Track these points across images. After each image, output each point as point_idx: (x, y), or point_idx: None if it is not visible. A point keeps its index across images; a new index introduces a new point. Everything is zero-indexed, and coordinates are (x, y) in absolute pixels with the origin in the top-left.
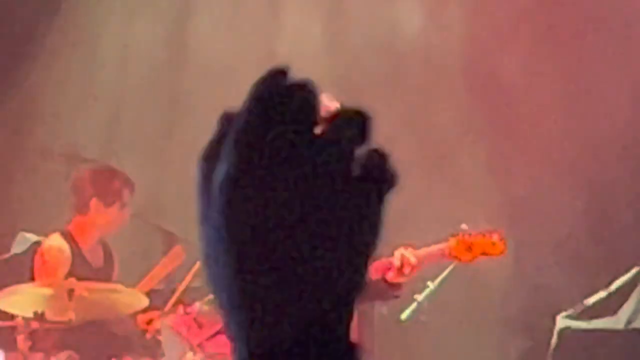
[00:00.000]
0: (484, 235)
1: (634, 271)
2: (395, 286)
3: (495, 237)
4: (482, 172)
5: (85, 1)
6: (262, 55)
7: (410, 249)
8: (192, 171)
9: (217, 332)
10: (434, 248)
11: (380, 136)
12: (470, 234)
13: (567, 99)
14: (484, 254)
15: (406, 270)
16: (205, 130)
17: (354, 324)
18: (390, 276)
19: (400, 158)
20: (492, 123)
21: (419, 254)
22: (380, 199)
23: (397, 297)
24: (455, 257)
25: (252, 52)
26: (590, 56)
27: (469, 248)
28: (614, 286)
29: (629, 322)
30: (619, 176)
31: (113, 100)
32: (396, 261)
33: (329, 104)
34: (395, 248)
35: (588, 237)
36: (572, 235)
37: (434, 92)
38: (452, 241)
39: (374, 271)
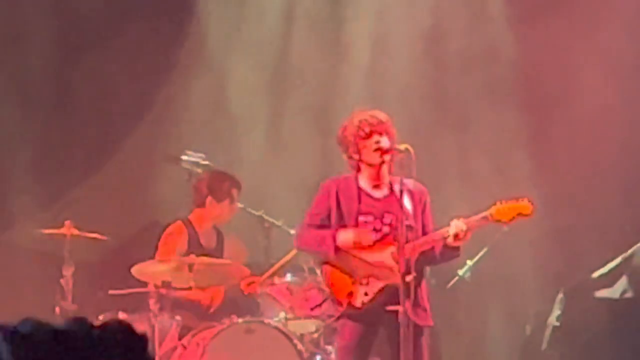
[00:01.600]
0: (517, 200)
1: (630, 251)
2: (455, 248)
3: (525, 201)
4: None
5: (215, 29)
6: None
7: (461, 219)
8: (289, 175)
9: (305, 298)
10: (479, 216)
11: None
12: (507, 201)
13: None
14: (520, 214)
15: (461, 235)
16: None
17: (423, 290)
18: (450, 241)
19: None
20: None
21: (468, 221)
22: None
23: (457, 256)
24: (498, 220)
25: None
26: None
27: (507, 211)
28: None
29: (623, 292)
30: None
31: (234, 115)
32: (452, 229)
33: None
34: (450, 220)
35: (615, 205)
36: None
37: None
38: (493, 208)
39: (435, 239)
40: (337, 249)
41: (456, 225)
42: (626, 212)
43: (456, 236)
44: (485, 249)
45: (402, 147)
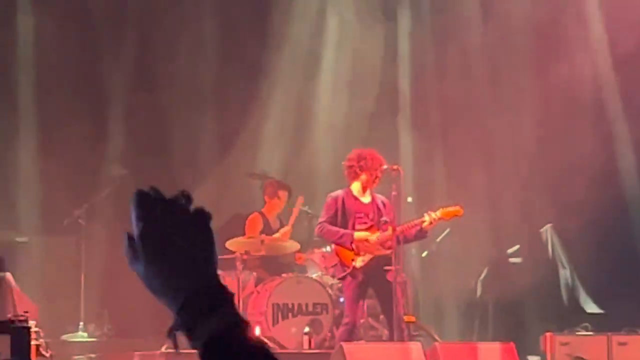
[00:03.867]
0: (459, 206)
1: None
2: (428, 231)
3: (459, 207)
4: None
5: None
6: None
7: (431, 212)
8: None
9: (335, 263)
10: (443, 211)
11: None
12: (455, 206)
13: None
14: (455, 215)
15: (433, 222)
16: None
17: (400, 260)
18: (425, 225)
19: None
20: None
21: (437, 214)
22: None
23: (426, 237)
24: (442, 219)
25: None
26: None
27: (448, 213)
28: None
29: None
30: None
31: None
32: (426, 217)
33: None
34: (425, 212)
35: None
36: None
37: None
38: (447, 209)
39: (414, 225)
40: (352, 242)
41: (429, 216)
42: (530, 208)
43: (430, 223)
44: (446, 231)
45: (395, 166)
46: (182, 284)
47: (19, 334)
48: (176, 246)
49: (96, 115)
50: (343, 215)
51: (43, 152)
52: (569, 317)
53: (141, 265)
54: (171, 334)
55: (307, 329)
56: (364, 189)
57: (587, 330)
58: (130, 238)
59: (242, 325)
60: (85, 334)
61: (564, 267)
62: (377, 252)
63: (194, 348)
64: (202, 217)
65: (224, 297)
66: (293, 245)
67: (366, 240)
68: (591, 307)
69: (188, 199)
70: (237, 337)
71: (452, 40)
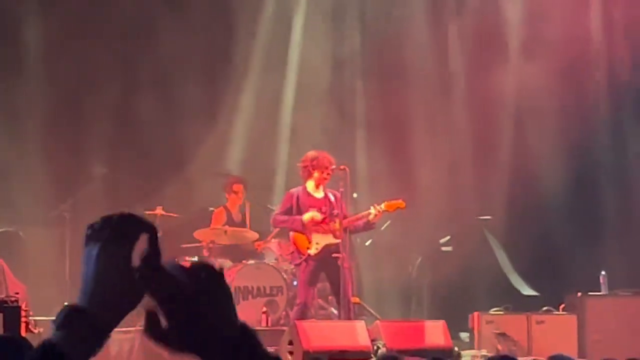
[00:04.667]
0: (397, 200)
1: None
2: (374, 223)
3: (401, 200)
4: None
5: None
6: None
7: (377, 205)
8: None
9: (292, 251)
10: (387, 204)
11: None
12: (397, 199)
13: None
14: (399, 208)
15: (378, 215)
16: None
17: (347, 247)
18: (371, 218)
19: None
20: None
21: (381, 207)
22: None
23: (374, 228)
24: (386, 211)
25: None
26: None
27: (392, 205)
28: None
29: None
30: None
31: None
32: (372, 210)
33: None
34: (371, 205)
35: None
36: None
37: None
38: (391, 202)
39: (361, 218)
40: (303, 225)
41: (375, 208)
42: (461, 203)
43: (375, 215)
44: (387, 223)
45: (342, 166)
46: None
47: (11, 313)
48: (207, 311)
49: (79, 118)
50: (298, 209)
51: (33, 153)
52: (494, 299)
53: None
54: None
55: (264, 309)
56: (317, 186)
57: (509, 310)
58: (155, 317)
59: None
60: None
61: (494, 254)
62: (327, 241)
63: None
64: (219, 279)
65: (256, 340)
66: (253, 235)
67: (313, 219)
68: (526, 291)
69: (205, 267)
70: None
71: (398, 44)
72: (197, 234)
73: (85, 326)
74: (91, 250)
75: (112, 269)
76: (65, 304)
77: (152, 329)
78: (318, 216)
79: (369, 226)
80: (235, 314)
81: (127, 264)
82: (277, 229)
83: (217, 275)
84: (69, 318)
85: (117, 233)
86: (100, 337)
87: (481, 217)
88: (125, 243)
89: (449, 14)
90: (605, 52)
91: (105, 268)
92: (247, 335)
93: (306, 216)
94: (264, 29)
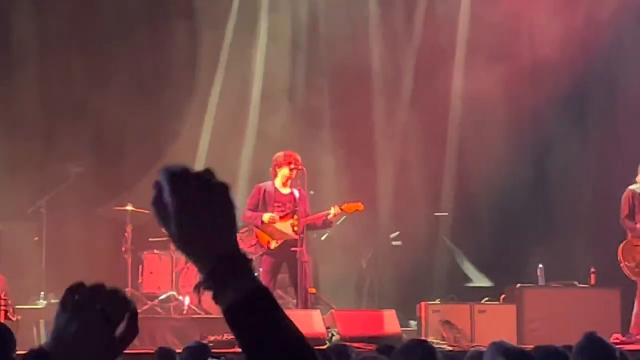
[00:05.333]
0: (356, 202)
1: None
2: (332, 222)
3: (360, 203)
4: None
5: None
6: None
7: (337, 206)
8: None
9: (254, 243)
10: (344, 205)
11: None
12: (355, 202)
13: None
14: (357, 210)
15: (337, 215)
16: None
17: (305, 242)
18: (330, 217)
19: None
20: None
21: (337, 208)
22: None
23: (331, 226)
24: (345, 211)
25: None
26: None
27: (351, 207)
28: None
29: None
30: None
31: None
32: (332, 210)
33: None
34: (331, 205)
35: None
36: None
37: None
38: (350, 205)
39: (321, 216)
40: (262, 222)
41: (334, 209)
42: (410, 201)
43: (334, 215)
44: (342, 218)
45: (300, 167)
46: (208, 252)
47: None
48: (204, 218)
49: (54, 120)
50: (264, 202)
51: (10, 154)
52: (440, 290)
53: (173, 228)
54: (197, 289)
55: None
56: (284, 183)
57: (454, 301)
58: (160, 192)
59: (260, 289)
60: (45, 302)
61: (442, 249)
62: (287, 236)
63: (219, 306)
64: (224, 190)
65: (244, 265)
66: None
67: (272, 219)
68: (480, 282)
69: (211, 174)
70: (260, 302)
71: (353, 49)
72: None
73: None
74: (71, 320)
75: (89, 337)
76: (32, 348)
77: (158, 210)
78: (276, 217)
79: (327, 224)
80: (234, 234)
81: (104, 338)
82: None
83: (223, 187)
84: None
85: (102, 311)
86: None
87: (437, 214)
88: (108, 327)
89: (400, 21)
90: (544, 61)
91: (82, 335)
92: (235, 260)
93: (265, 217)
94: (228, 35)
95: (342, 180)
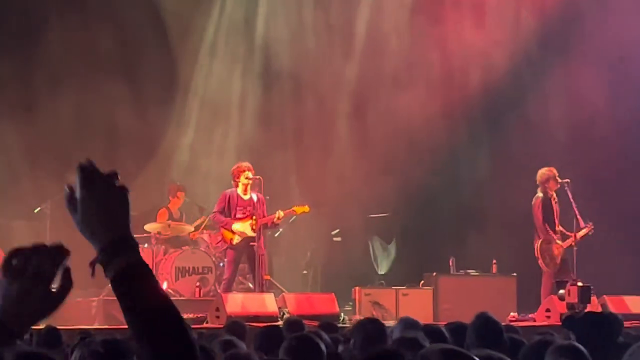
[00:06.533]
0: (303, 205)
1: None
2: (279, 223)
3: (307, 206)
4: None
5: None
6: None
7: (281, 210)
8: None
9: (220, 240)
10: (287, 210)
11: None
12: (302, 205)
13: None
14: (304, 212)
15: (282, 217)
16: None
17: (262, 238)
18: (276, 219)
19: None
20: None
21: (285, 211)
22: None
23: (279, 226)
24: (304, 212)
25: None
26: None
27: (299, 209)
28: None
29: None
30: None
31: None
32: (277, 214)
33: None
34: (277, 209)
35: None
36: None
37: None
38: (298, 207)
39: (270, 219)
40: (232, 231)
41: (279, 213)
42: (350, 203)
43: (279, 217)
44: (293, 217)
45: (257, 176)
46: (104, 233)
47: None
48: (103, 207)
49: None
50: (229, 207)
51: (19, 160)
52: (371, 277)
53: (78, 215)
54: (92, 265)
55: (198, 284)
56: (244, 190)
57: (382, 286)
58: (72, 191)
59: (139, 264)
60: None
61: (374, 242)
62: (247, 234)
63: (107, 277)
64: (123, 190)
65: (131, 245)
66: (189, 228)
67: (242, 231)
68: (382, 270)
69: (116, 176)
70: (136, 273)
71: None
72: (147, 227)
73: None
74: (11, 283)
75: (27, 296)
76: None
77: (69, 204)
78: (245, 229)
79: (274, 225)
80: (126, 221)
81: (40, 293)
82: (204, 223)
83: (123, 188)
84: None
85: (35, 272)
86: (10, 340)
87: (371, 215)
88: (43, 285)
89: (348, 35)
90: (464, 73)
91: (22, 295)
92: (124, 241)
93: (236, 227)
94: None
95: (295, 187)
